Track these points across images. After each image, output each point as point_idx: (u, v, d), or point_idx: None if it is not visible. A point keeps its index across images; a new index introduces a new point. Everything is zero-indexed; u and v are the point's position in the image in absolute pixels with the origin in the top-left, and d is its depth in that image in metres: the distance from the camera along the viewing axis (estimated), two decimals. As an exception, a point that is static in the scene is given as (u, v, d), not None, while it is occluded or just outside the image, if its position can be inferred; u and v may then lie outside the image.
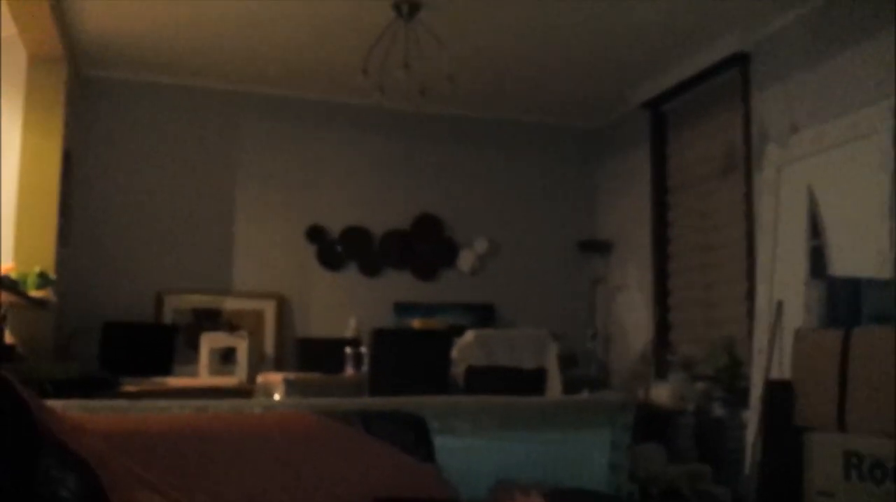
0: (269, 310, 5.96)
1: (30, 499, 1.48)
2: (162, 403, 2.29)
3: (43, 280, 4.57)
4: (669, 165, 5.99)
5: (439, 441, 2.34)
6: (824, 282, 3.30)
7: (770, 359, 4.24)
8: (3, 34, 4.85)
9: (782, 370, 4.11)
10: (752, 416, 4.33)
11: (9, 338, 4.57)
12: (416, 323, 5.33)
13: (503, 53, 5.43)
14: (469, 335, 4.84)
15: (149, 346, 5.28)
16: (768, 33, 4.83)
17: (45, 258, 4.84)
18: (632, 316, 6.20)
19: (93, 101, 5.73)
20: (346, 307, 5.96)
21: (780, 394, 3.18)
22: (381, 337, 4.44)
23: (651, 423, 4.54)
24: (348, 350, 4.63)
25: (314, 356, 5.02)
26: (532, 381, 4.46)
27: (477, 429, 2.63)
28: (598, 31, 5.02)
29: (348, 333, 5.22)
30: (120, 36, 5.22)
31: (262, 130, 6.16)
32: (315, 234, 6.17)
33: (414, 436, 2.28)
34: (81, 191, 5.58)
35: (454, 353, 4.64)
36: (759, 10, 4.68)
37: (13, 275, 4.35)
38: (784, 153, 4.53)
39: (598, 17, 4.82)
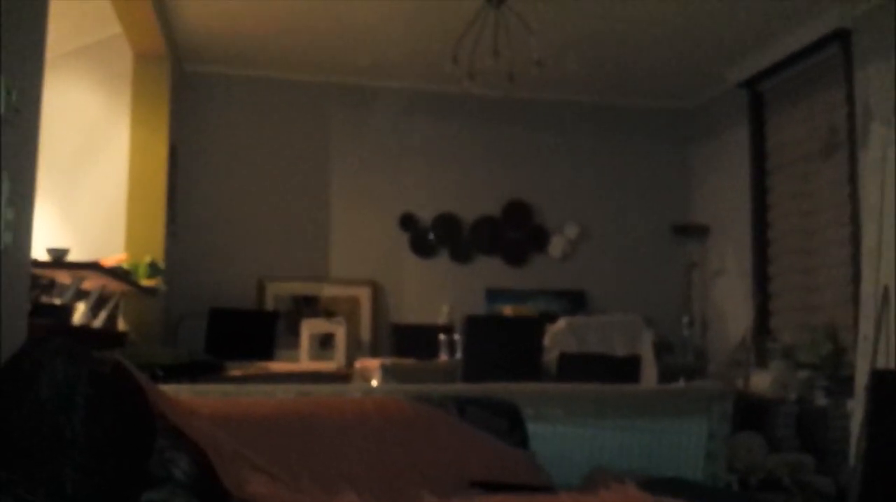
0: (364, 296, 6.09)
1: (146, 479, 1.57)
2: (267, 387, 2.39)
3: (153, 269, 4.79)
4: (768, 146, 5.82)
5: (532, 428, 2.36)
6: (934, 267, 3.16)
7: (876, 347, 4.09)
8: (109, 33, 5.08)
9: (889, 358, 3.96)
10: (856, 406, 4.18)
11: (121, 325, 4.82)
12: (508, 309, 5.36)
13: (593, 36, 5.37)
14: (561, 322, 4.83)
15: (252, 332, 5.46)
16: (869, 8, 4.64)
17: (154, 248, 5.07)
18: (730, 302, 6.06)
19: (195, 96, 5.94)
20: (438, 293, 6.04)
21: (886, 384, 3.08)
22: (474, 323, 4.49)
23: (751, 412, 4.45)
24: (442, 336, 4.69)
25: (408, 342, 5.11)
26: (626, 369, 4.43)
27: (570, 417, 2.63)
28: (691, 10, 4.91)
29: (441, 319, 5.30)
30: (219, 32, 5.40)
31: (355, 120, 6.27)
32: (407, 222, 6.25)
33: (507, 423, 2.30)
34: (186, 183, 5.80)
35: (546, 340, 4.64)
36: (863, -16, 4.50)
37: (125, 266, 4.58)
38: (890, 132, 4.34)
39: (692, -3, 4.72)
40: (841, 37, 4.87)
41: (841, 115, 4.97)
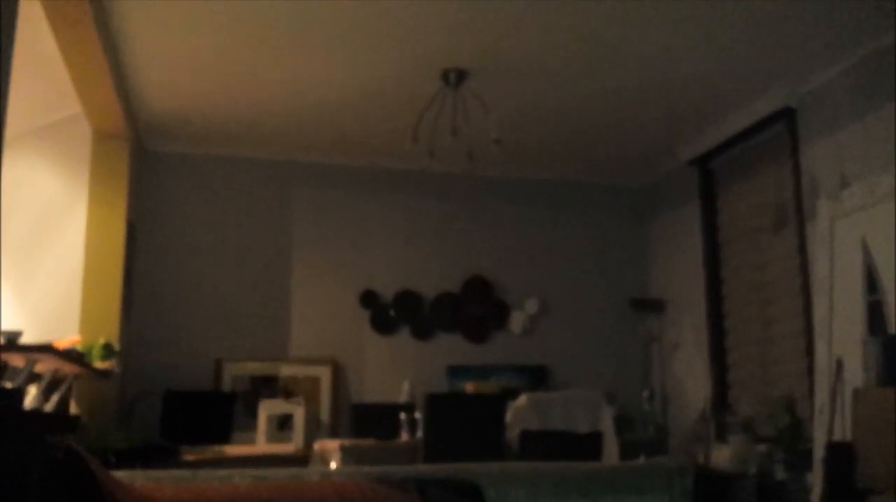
0: (324, 375, 6.02)
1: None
2: (223, 472, 2.34)
3: (107, 351, 4.69)
4: (720, 221, 5.97)
5: (494, 508, 2.33)
6: (881, 339, 3.24)
7: (832, 419, 4.14)
8: (69, 112, 5.10)
9: (845, 429, 4.01)
10: (815, 479, 4.21)
11: (74, 408, 4.70)
12: (469, 386, 5.33)
13: (549, 116, 5.51)
14: (522, 399, 4.81)
15: (208, 414, 5.35)
16: (814, 87, 4.84)
17: (109, 329, 4.97)
18: (689, 375, 6.10)
19: (154, 174, 5.94)
20: (399, 371, 5.99)
21: (841, 457, 3.11)
22: (434, 402, 4.45)
23: (712, 487, 4.44)
24: (402, 415, 4.64)
25: (369, 421, 5.05)
26: (588, 446, 4.41)
27: (533, 496, 2.61)
28: (643, 91, 5.08)
29: (402, 398, 5.25)
30: (179, 112, 5.44)
31: (315, 198, 6.30)
32: (368, 299, 6.24)
33: (469, 504, 2.28)
34: (143, 261, 5.75)
35: (508, 417, 4.62)
36: (802, 66, 4.70)
37: (79, 348, 4.48)
38: (836, 206, 4.49)
39: (643, 77, 4.88)
40: (786, 115, 5.07)
41: (789, 190, 5.13)
